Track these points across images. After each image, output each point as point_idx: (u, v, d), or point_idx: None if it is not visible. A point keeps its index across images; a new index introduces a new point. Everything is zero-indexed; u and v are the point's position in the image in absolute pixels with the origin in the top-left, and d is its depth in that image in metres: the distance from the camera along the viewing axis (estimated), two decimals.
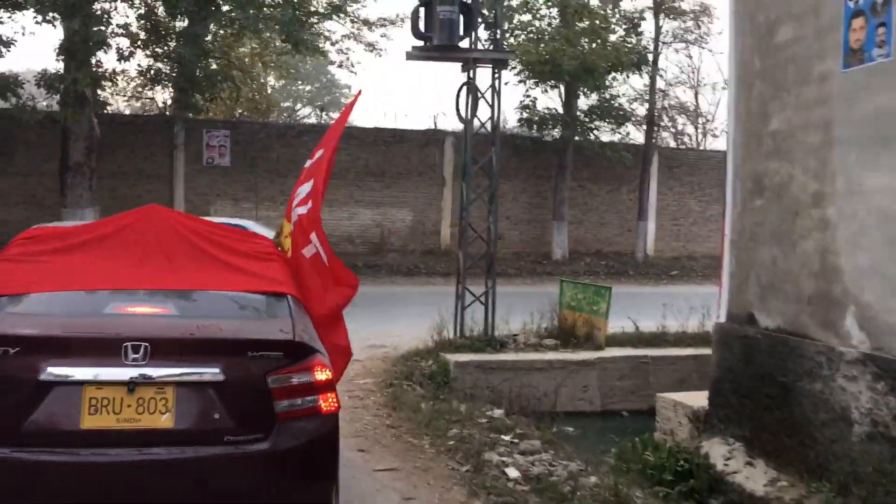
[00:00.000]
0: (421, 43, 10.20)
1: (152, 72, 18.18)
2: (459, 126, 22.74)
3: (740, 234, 6.95)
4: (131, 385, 3.44)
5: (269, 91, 27.34)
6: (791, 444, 6.18)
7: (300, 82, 43.18)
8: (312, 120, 30.72)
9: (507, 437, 6.77)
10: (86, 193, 18.41)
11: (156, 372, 3.48)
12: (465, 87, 10.61)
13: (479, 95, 10.67)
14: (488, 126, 11.01)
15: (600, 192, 22.82)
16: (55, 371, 3.41)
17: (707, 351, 10.34)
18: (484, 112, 10.92)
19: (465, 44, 10.34)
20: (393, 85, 54.14)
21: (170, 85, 18.73)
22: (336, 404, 3.78)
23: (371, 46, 23.27)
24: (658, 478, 6.75)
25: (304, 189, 5.19)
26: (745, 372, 6.70)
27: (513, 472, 5.91)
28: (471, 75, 10.50)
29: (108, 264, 4.15)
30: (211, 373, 3.53)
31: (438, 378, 9.43)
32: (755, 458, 6.53)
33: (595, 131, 21.03)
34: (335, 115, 23.13)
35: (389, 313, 14.02)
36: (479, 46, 11.37)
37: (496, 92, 10.64)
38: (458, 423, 7.13)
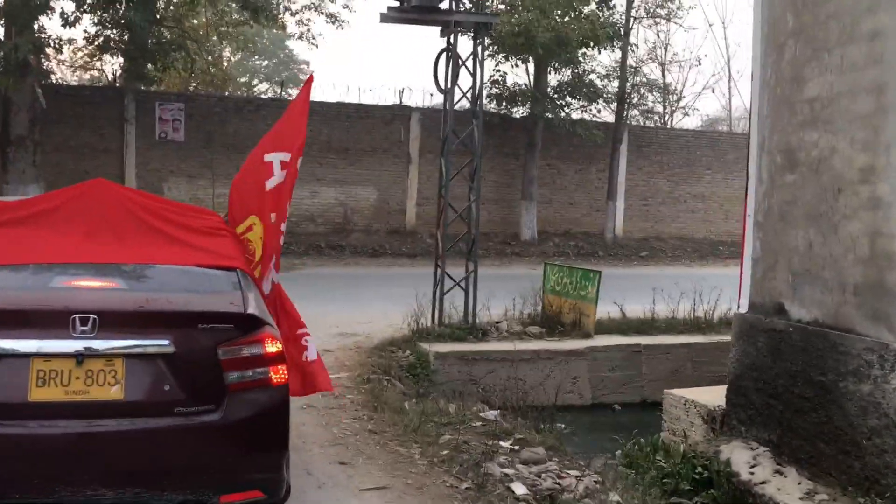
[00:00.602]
0: (397, 3, 9.20)
1: (100, 39, 16.77)
2: (426, 102, 21.94)
3: (766, 214, 6.12)
4: (79, 357, 3.39)
5: (226, 65, 25.90)
6: (830, 452, 5.41)
7: (257, 57, 41.58)
8: (272, 94, 29.35)
9: (506, 444, 5.88)
10: (29, 169, 17.07)
11: (104, 344, 3.42)
12: (444, 54, 9.64)
13: (461, 63, 9.71)
14: (466, 98, 10.07)
15: (569, 172, 21.99)
16: (1, 344, 3.34)
17: (701, 339, 9.65)
18: (463, 82, 9.99)
19: (444, 5, 9.38)
20: (356, 59, 52.37)
21: (119, 53, 17.33)
22: (286, 376, 3.73)
23: (332, 18, 22.05)
24: (673, 486, 5.95)
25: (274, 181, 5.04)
26: (772, 369, 5.90)
27: (520, 489, 5.03)
28: (451, 40, 9.53)
29: (54, 238, 3.97)
30: (160, 345, 3.49)
31: (418, 370, 8.55)
32: (784, 465, 5.75)
33: (566, 108, 20.13)
34: (294, 92, 21.87)
35: (358, 297, 13.07)
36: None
37: (478, 59, 9.69)
38: (448, 426, 6.22)
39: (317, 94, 22.55)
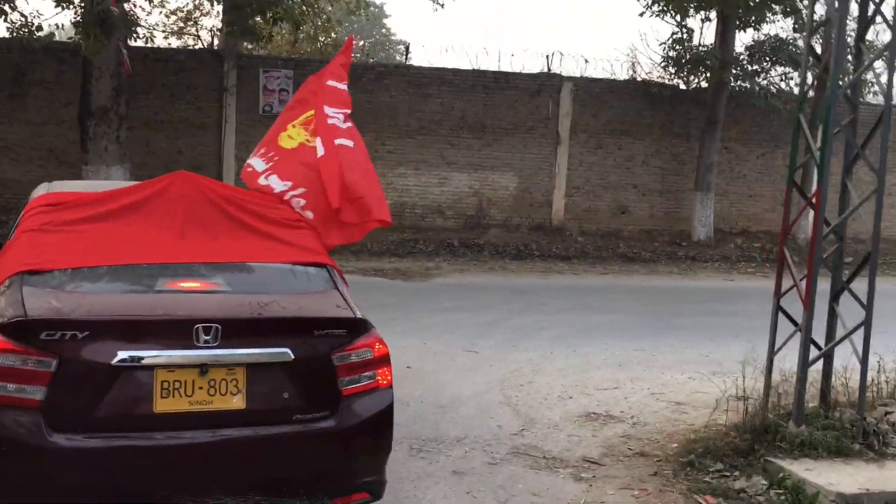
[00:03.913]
0: None
1: None
2: (578, 70, 17.32)
3: None
4: (203, 368, 3.22)
5: (333, 36, 21.59)
6: None
7: (357, 37, 37.72)
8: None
9: None
10: (112, 146, 13.18)
11: (228, 353, 3.25)
12: None
13: None
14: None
15: (750, 157, 17.13)
16: (126, 355, 3.13)
17: None
18: None
19: None
20: (490, 22, 45.97)
21: (219, 1, 13.23)
22: (391, 378, 3.58)
23: None
24: None
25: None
26: None
27: None
28: None
29: (148, 235, 3.69)
30: (281, 353, 3.33)
31: None
32: None
33: (759, 76, 15.30)
34: (413, 60, 17.47)
35: (548, 327, 8.67)
36: None
37: None
38: None
39: (448, 62, 18.28)
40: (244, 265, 3.82)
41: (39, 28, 11.99)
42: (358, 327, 3.50)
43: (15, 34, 11.98)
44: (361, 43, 38.41)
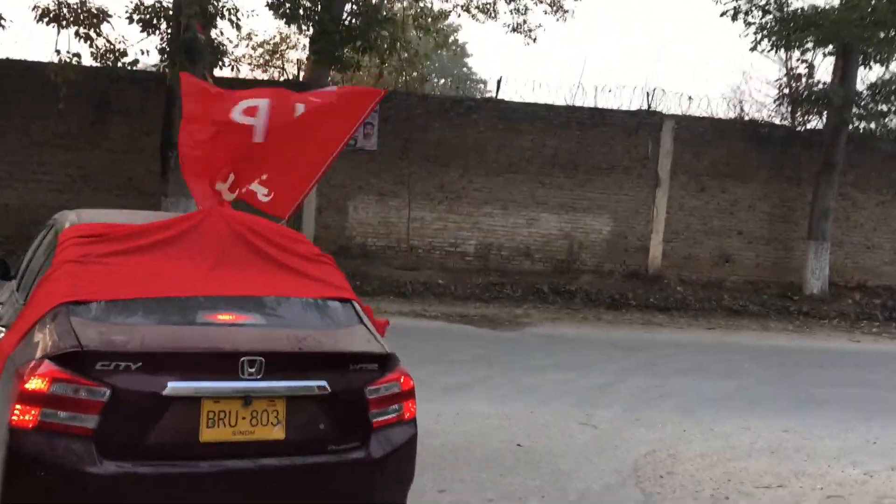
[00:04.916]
0: None
1: (287, 6, 12.02)
2: (679, 108, 16.10)
3: None
4: (247, 399, 3.30)
5: (418, 70, 20.87)
6: None
7: (434, 75, 37.25)
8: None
9: None
10: None
11: (270, 385, 3.35)
12: None
13: None
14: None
15: (868, 204, 15.54)
16: (176, 386, 3.20)
17: None
18: None
19: None
20: (583, 55, 45.33)
21: (310, 25, 12.55)
22: (415, 409, 3.69)
23: (555, 5, 16.83)
24: None
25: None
26: None
27: None
28: None
29: (181, 269, 3.71)
30: (320, 385, 3.42)
31: None
32: None
33: (887, 116, 13.83)
34: (502, 96, 16.45)
35: (664, 394, 7.41)
36: None
37: None
38: None
39: (539, 97, 17.31)
40: (276, 299, 3.86)
41: (124, 54, 11.48)
42: (388, 362, 3.59)
43: (100, 60, 11.50)
44: (441, 81, 38.03)
